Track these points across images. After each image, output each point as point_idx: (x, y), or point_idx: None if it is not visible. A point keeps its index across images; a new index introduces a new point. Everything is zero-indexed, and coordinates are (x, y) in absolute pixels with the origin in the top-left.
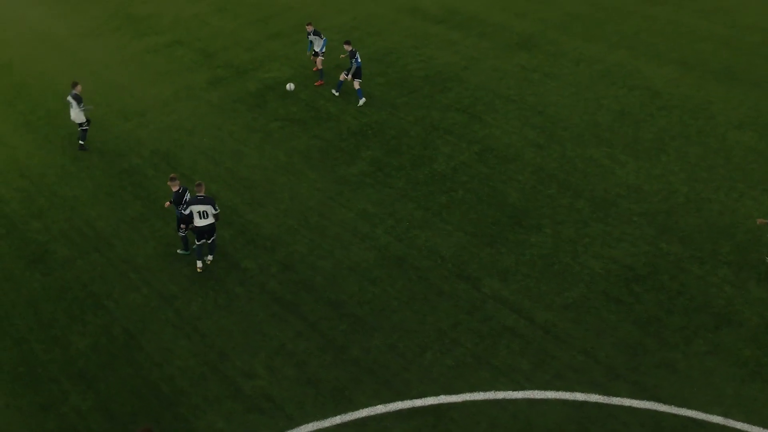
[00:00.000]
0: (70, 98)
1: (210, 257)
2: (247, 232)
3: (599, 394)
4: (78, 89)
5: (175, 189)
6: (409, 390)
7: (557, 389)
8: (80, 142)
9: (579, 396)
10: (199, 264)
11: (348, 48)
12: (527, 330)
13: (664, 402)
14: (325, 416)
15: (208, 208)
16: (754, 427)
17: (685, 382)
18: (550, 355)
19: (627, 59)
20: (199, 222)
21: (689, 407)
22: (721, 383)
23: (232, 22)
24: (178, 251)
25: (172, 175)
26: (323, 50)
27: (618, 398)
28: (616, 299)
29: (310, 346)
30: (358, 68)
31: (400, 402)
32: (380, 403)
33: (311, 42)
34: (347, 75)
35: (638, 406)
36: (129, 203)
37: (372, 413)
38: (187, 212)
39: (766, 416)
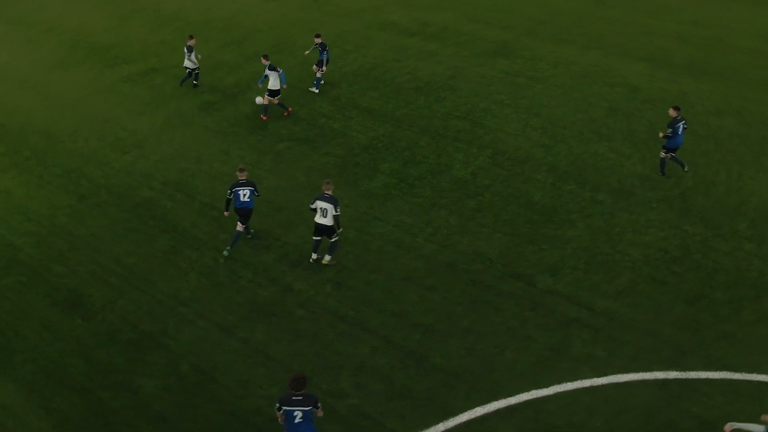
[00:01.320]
0: (185, 49)
1: (328, 257)
2: (289, 254)
3: (676, 370)
4: (192, 42)
5: (241, 178)
6: (501, 389)
7: (637, 371)
8: (195, 82)
9: (659, 374)
10: (314, 256)
11: (318, 41)
12: (592, 319)
13: (736, 370)
14: (427, 425)
15: (330, 208)
16: None
17: (747, 350)
18: (620, 340)
19: (600, 59)
20: (318, 219)
21: (759, 372)
22: None
23: (204, 46)
24: (224, 252)
25: (241, 166)
26: (284, 85)
27: (694, 372)
28: (661, 281)
29: (390, 360)
30: (325, 60)
31: (495, 402)
32: (477, 406)
33: (266, 75)
34: (319, 68)
35: (714, 377)
36: (155, 237)
37: (472, 416)
38: (313, 207)
39: None
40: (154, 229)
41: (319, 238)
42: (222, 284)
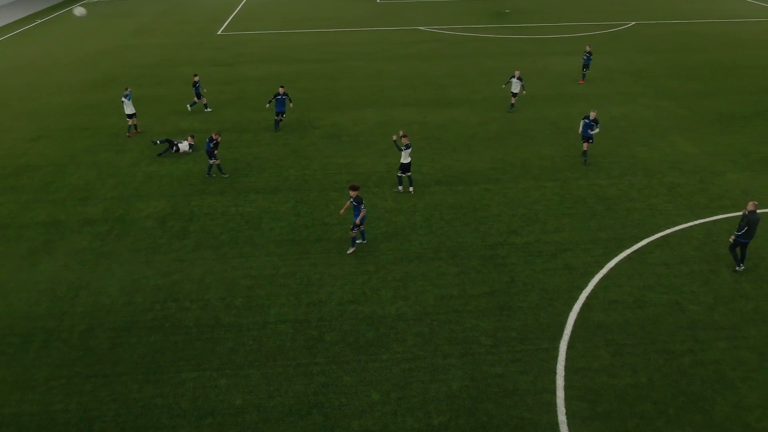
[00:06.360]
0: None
1: (411, 189)
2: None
3: (657, 233)
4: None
5: (280, 91)
6: (579, 285)
7: (631, 246)
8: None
9: (659, 234)
10: (399, 188)
11: (196, 79)
12: (569, 244)
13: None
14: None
15: (407, 152)
16: None
17: (640, 221)
18: (599, 241)
19: (377, 112)
20: (403, 159)
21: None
22: None
23: (14, 201)
24: None
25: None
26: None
27: (668, 229)
28: (568, 213)
29: (492, 320)
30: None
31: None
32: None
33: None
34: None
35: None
36: (220, 340)
37: (580, 303)
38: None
39: None
40: (214, 337)
41: (402, 174)
42: (345, 333)
